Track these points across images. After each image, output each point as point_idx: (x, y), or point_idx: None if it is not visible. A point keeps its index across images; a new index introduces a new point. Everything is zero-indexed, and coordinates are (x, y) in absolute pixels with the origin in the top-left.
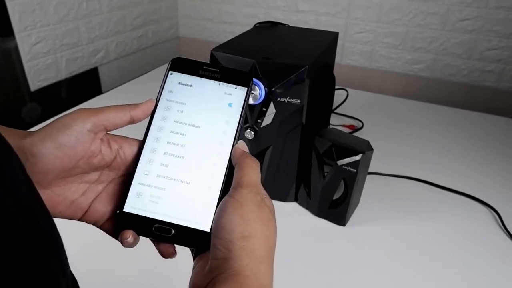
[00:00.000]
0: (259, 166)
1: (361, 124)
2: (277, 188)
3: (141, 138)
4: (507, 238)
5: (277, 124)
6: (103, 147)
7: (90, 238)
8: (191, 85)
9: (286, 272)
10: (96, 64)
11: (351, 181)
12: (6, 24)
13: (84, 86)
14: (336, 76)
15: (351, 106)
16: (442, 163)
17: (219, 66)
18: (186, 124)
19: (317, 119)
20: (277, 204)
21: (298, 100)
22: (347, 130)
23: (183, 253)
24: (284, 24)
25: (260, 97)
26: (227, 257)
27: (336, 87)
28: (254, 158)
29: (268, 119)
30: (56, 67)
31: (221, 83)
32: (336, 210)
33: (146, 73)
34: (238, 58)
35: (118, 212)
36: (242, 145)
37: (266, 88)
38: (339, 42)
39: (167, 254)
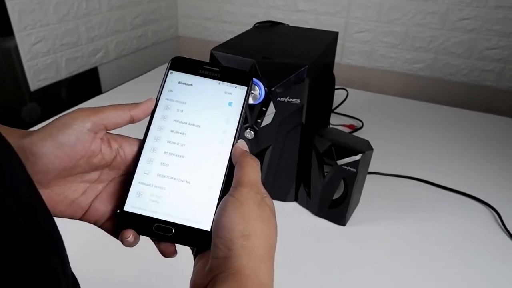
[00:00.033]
0: (259, 165)
1: (361, 124)
2: (277, 187)
3: (141, 138)
4: (507, 238)
5: (277, 124)
6: (103, 146)
7: (91, 238)
8: (191, 84)
9: (286, 271)
10: (96, 63)
11: (351, 181)
12: (6, 24)
13: (84, 85)
14: (336, 76)
15: (351, 105)
16: (442, 163)
17: (219, 65)
18: (186, 123)
19: (317, 119)
20: (277, 204)
21: (298, 100)
22: (347, 130)
23: (184, 252)
24: (284, 24)
25: (260, 96)
26: (228, 256)
27: (336, 86)
28: (254, 157)
29: (268, 119)
30: (56, 66)
31: (221, 82)
32: (336, 209)
33: (146, 72)
34: (238, 57)
35: (118, 211)
36: (242, 144)
37: (266, 88)
38: (339, 42)
39: (168, 253)
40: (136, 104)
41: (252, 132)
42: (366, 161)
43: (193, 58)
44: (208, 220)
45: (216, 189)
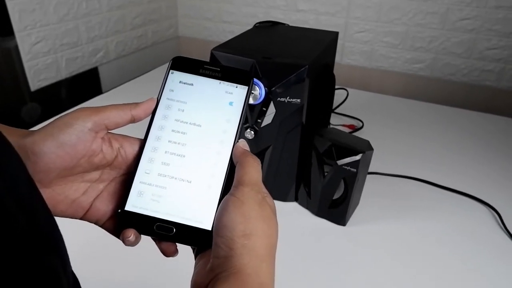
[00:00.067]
0: (260, 165)
1: (361, 124)
2: (277, 188)
3: (142, 137)
4: (507, 238)
5: (277, 124)
6: (104, 146)
7: (91, 237)
8: (192, 84)
9: (286, 271)
10: (96, 63)
11: (351, 181)
12: (6, 24)
13: (84, 86)
14: (336, 76)
15: (351, 105)
16: (442, 163)
17: (220, 65)
18: (187, 123)
19: (317, 119)
20: (277, 204)
21: (298, 100)
22: (347, 130)
23: (185, 251)
24: (284, 24)
25: (260, 96)
26: (229, 255)
27: (336, 86)
28: (255, 157)
29: (268, 119)
30: (56, 66)
31: (221, 82)
32: (336, 209)
33: (146, 72)
34: (238, 57)
35: (119, 211)
36: (243, 144)
37: (266, 88)
38: (339, 42)
39: (169, 252)
40: (137, 103)
41: (252, 132)
42: (366, 161)
43: (193, 58)
44: (209, 220)
45: (217, 188)
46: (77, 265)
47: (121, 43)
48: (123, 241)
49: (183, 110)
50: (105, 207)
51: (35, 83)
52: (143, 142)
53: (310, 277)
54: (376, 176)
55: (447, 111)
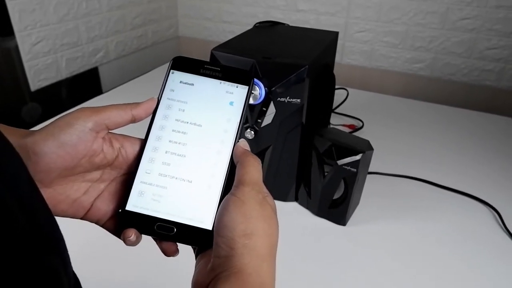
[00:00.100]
0: (261, 164)
1: (361, 124)
2: (277, 187)
3: (143, 137)
4: (507, 237)
5: (277, 124)
6: (105, 145)
7: (91, 237)
8: (192, 84)
9: (286, 271)
10: (96, 63)
11: (351, 181)
12: (6, 24)
13: (84, 86)
14: (336, 76)
15: (351, 105)
16: (442, 162)
17: (220, 64)
18: (187, 122)
19: (317, 119)
20: (277, 203)
21: (298, 100)
22: (347, 130)
23: (185, 251)
24: (284, 24)
25: (260, 97)
26: (229, 255)
27: (336, 86)
28: (255, 156)
29: (268, 119)
30: (56, 66)
31: (222, 81)
32: (336, 209)
33: (146, 72)
34: (238, 57)
35: (120, 210)
36: (243, 144)
37: (266, 88)
38: (339, 42)
39: (170, 252)
40: (138, 103)
41: (253, 132)
42: (367, 161)
43: (194, 58)
44: (209, 219)
45: (217, 188)
46: (77, 265)
47: (121, 43)
48: (124, 241)
49: (183, 110)
50: (106, 207)
51: (35, 83)
52: (143, 142)
53: (310, 277)
54: (376, 176)
55: (447, 111)
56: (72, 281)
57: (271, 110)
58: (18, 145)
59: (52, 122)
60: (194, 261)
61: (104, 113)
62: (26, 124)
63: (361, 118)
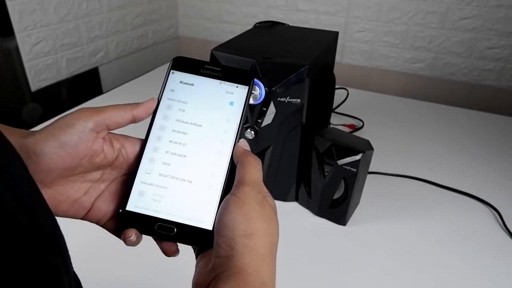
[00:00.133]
0: (261, 165)
1: (361, 124)
2: (277, 187)
3: (143, 137)
4: (507, 237)
5: (277, 124)
6: (105, 146)
7: (91, 237)
8: (192, 84)
9: (286, 271)
10: (97, 64)
11: (352, 181)
12: (6, 24)
13: (84, 86)
14: (336, 75)
15: (351, 105)
16: (442, 162)
17: (220, 65)
18: (187, 123)
19: (317, 119)
20: (277, 203)
21: (298, 100)
22: (347, 130)
23: (185, 251)
24: (284, 24)
25: (260, 97)
26: (230, 255)
27: (336, 86)
28: (255, 157)
29: (268, 119)
30: (57, 67)
31: (222, 82)
32: (336, 209)
33: (147, 72)
34: (238, 58)
35: (120, 211)
36: (243, 144)
37: (266, 88)
38: (339, 41)
39: (170, 252)
40: (138, 103)
41: (253, 132)
42: (367, 161)
43: (194, 58)
44: (210, 219)
45: (217, 188)
46: (77, 265)
47: (122, 43)
48: (124, 241)
49: (183, 110)
50: (106, 207)
51: (35, 83)
52: (144, 142)
53: (310, 276)
54: (377, 176)
55: (447, 111)
56: (73, 281)
57: (271, 110)
58: (19, 145)
59: (53, 122)
60: (195, 261)
61: (104, 113)
62: (26, 124)
63: (361, 118)
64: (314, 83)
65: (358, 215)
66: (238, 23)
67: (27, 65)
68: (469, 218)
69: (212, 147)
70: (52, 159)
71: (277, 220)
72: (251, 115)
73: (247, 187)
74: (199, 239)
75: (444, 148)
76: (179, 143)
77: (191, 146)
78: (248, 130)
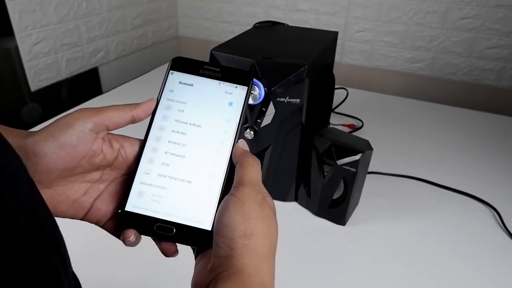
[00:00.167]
0: (260, 165)
1: (361, 123)
2: (277, 187)
3: (142, 138)
4: (506, 237)
5: (276, 124)
6: (104, 146)
7: (91, 238)
8: (191, 85)
9: (286, 271)
10: (96, 64)
11: (351, 181)
12: (6, 24)
13: (84, 86)
14: (336, 75)
15: (351, 105)
16: (441, 162)
17: (219, 65)
18: (187, 123)
19: (316, 119)
20: (277, 203)
21: (298, 100)
22: (347, 130)
23: (185, 251)
24: (284, 24)
25: (260, 97)
26: (229, 255)
27: (336, 86)
28: (254, 157)
29: (267, 119)
30: (57, 67)
31: (221, 82)
32: (336, 209)
33: (146, 72)
34: (238, 58)
35: (120, 211)
36: (242, 144)
37: (265, 88)
38: (339, 41)
39: (169, 252)
40: (137, 104)
41: (252, 132)
42: (366, 160)
43: (193, 58)
44: (209, 220)
45: (216, 188)
46: (77, 265)
47: (121, 43)
48: (124, 242)
49: (183, 111)
50: (105, 207)
51: (35, 83)
52: (143, 143)
53: (309, 276)
54: (376, 176)
55: (447, 111)
56: (72, 282)
57: (271, 110)
58: (18, 146)
59: (52, 123)
60: (194, 261)
61: (103, 114)
62: (26, 124)
63: (360, 118)
64: (313, 83)
65: (357, 215)
66: (238, 23)
67: (27, 65)
68: (469, 218)
69: (211, 147)
70: (51, 159)
71: (276, 220)
72: (251, 115)
73: (247, 188)
74: (198, 239)
75: (443, 148)
76: (178, 144)
77: (190, 146)
78: (248, 130)
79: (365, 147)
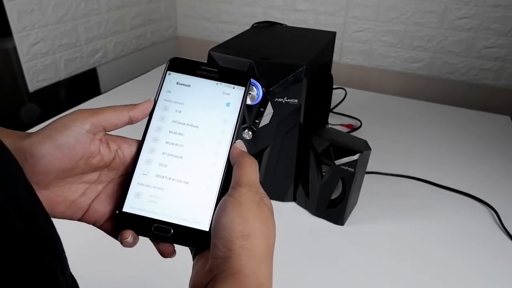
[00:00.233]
0: (258, 165)
1: (359, 123)
2: (275, 188)
3: (140, 139)
4: (505, 237)
5: (275, 124)
6: (102, 147)
7: (90, 238)
8: (189, 85)
9: (284, 271)
10: (95, 64)
11: (349, 181)
12: (4, 25)
13: (83, 86)
14: (335, 75)
15: (349, 105)
16: (440, 162)
17: (217, 65)
18: (184, 124)
19: (315, 119)
20: (275, 204)
21: (296, 100)
22: (345, 130)
23: (183, 252)
24: (282, 24)
25: (258, 97)
26: (227, 256)
27: (335, 86)
28: (252, 157)
29: (266, 119)
30: (55, 67)
31: (219, 82)
32: (334, 209)
33: (145, 73)
34: (236, 58)
35: (117, 212)
36: (240, 145)
37: (263, 88)
38: (338, 41)
39: (167, 253)
40: (135, 105)
41: (250, 133)
42: (364, 160)
43: (192, 58)
44: (206, 220)
45: (214, 189)
46: (75, 266)
47: (120, 44)
48: (121, 242)
49: (180, 111)
50: (103, 208)
51: (33, 84)
52: (140, 144)
53: (308, 277)
54: (375, 176)
55: (446, 110)
56: (70, 282)
57: (269, 111)
58: (15, 147)
59: (49, 124)
60: (192, 262)
61: (101, 115)
62: (25, 125)
63: (359, 118)
64: (311, 83)
65: (356, 215)
66: (237, 23)
67: (25, 66)
68: (468, 217)
69: (208, 148)
70: (48, 160)
71: (274, 221)
72: (249, 115)
73: (244, 188)
74: (196, 240)
75: (442, 148)
76: (176, 144)
77: (188, 147)
78: (246, 130)
79: (363, 147)
